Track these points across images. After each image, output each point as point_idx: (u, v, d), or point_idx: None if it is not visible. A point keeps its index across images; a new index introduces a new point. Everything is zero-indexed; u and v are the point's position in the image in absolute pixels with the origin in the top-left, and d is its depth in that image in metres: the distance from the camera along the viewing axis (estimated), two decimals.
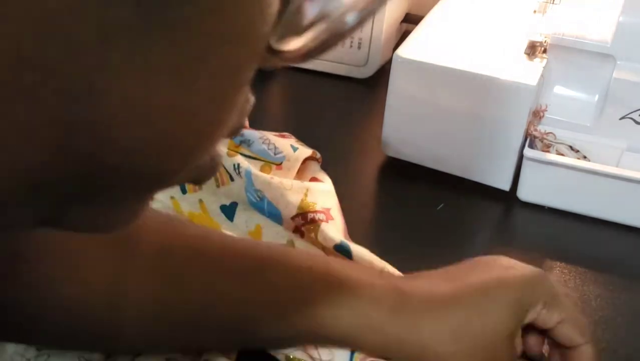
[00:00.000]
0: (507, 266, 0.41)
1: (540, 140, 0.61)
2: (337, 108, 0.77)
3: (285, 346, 0.41)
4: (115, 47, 0.16)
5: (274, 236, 0.52)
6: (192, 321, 0.40)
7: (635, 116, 0.61)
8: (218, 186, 0.54)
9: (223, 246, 0.42)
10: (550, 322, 0.40)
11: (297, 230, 0.52)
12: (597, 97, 0.63)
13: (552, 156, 0.59)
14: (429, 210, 0.60)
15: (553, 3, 0.65)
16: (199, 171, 0.22)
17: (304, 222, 0.52)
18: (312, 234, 0.51)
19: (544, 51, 0.63)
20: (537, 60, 0.62)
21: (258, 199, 0.53)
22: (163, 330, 0.40)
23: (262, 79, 0.82)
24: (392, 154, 0.65)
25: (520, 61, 0.62)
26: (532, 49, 0.63)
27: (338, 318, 0.40)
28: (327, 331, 0.40)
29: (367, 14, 0.19)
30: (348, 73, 0.81)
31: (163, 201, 0.54)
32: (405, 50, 0.61)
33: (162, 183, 0.20)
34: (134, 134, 0.17)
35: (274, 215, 0.53)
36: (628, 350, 0.48)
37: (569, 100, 0.64)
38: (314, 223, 0.52)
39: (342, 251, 0.50)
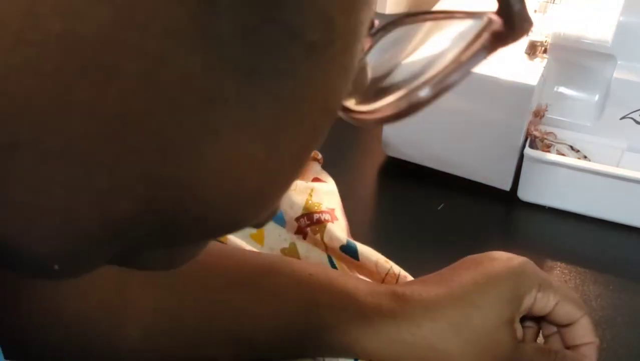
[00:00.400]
0: (492, 259, 0.42)
1: (540, 140, 0.61)
2: None
3: (288, 355, 0.41)
4: (220, 112, 0.17)
5: (276, 238, 0.52)
6: (194, 331, 0.40)
7: (635, 116, 0.61)
8: None
9: (222, 255, 0.42)
10: (549, 304, 0.41)
11: (300, 231, 0.52)
12: (597, 97, 0.63)
13: (552, 156, 0.59)
14: (429, 210, 0.60)
15: (553, 3, 0.65)
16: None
17: (310, 222, 0.52)
18: (318, 235, 0.51)
19: (544, 51, 0.63)
20: (537, 60, 0.62)
21: None
22: (165, 340, 0.40)
23: None
24: (392, 154, 0.65)
25: (520, 61, 0.62)
26: (532, 49, 0.63)
27: (341, 325, 0.40)
28: (331, 339, 0.40)
29: (442, 90, 0.21)
30: None
31: None
32: None
33: (236, 229, 0.21)
34: (224, 190, 0.19)
35: (277, 217, 0.52)
36: (628, 350, 0.48)
37: (569, 100, 0.64)
38: (320, 223, 0.51)
39: (348, 251, 0.50)
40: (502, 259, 0.42)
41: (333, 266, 0.50)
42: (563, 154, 0.61)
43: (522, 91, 0.57)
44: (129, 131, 0.16)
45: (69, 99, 0.15)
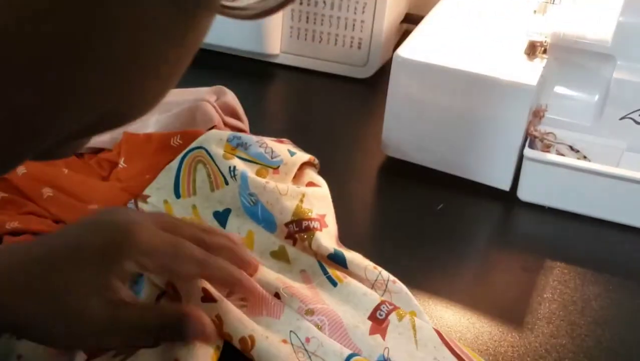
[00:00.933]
0: (93, 224, 0.42)
1: (540, 140, 0.61)
2: (337, 108, 0.77)
3: None
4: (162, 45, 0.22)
5: (265, 242, 0.52)
6: None
7: (635, 116, 0.61)
8: (212, 190, 0.54)
9: None
10: (151, 266, 0.41)
11: (290, 237, 0.52)
12: (597, 97, 0.63)
13: (552, 156, 0.59)
14: (428, 210, 0.60)
15: (553, 3, 0.65)
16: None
17: (299, 229, 0.52)
18: (306, 242, 0.51)
19: (544, 51, 0.63)
20: (537, 60, 0.62)
21: (252, 203, 0.52)
22: None
23: (262, 79, 0.82)
24: (392, 154, 0.65)
25: (520, 61, 0.62)
26: (532, 49, 0.63)
27: None
28: None
29: None
30: (348, 73, 0.81)
31: (156, 205, 0.54)
32: (405, 50, 0.61)
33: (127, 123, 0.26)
34: (146, 98, 0.24)
35: (268, 221, 0.52)
36: (628, 350, 0.48)
37: (569, 100, 0.64)
38: (309, 230, 0.51)
39: (336, 259, 0.50)
40: (100, 225, 0.41)
41: (324, 271, 0.50)
42: (563, 154, 0.61)
43: (521, 91, 0.57)
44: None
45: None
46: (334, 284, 0.49)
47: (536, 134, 0.61)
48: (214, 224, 0.52)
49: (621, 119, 0.61)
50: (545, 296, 0.52)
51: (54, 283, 0.38)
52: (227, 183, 0.53)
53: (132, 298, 0.40)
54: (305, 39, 0.81)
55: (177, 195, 0.54)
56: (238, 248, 0.47)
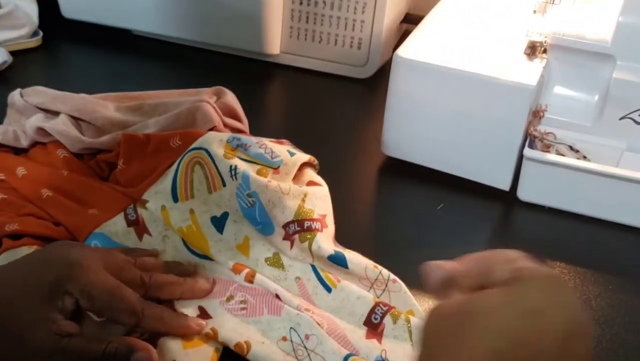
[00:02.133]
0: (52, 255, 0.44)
1: (540, 140, 0.61)
2: (337, 108, 0.77)
3: None
4: None
5: (260, 248, 0.52)
6: None
7: (635, 116, 0.61)
8: (210, 192, 0.54)
9: None
10: (89, 309, 0.42)
11: (288, 238, 0.52)
12: (597, 97, 0.63)
13: (552, 156, 0.59)
14: (428, 210, 0.60)
15: (553, 3, 0.65)
16: None
17: (300, 229, 0.52)
18: (306, 243, 0.51)
19: (544, 51, 0.63)
20: (537, 60, 0.62)
21: (249, 205, 0.52)
22: None
23: (262, 79, 0.82)
24: (392, 154, 0.65)
25: (520, 61, 0.62)
26: (532, 49, 0.63)
27: None
28: None
29: None
30: (348, 73, 0.81)
31: (153, 211, 0.53)
32: (405, 50, 0.61)
33: None
34: None
35: (265, 223, 0.52)
36: (628, 349, 0.48)
37: (569, 100, 0.64)
38: (311, 231, 0.52)
39: (337, 260, 0.50)
40: (50, 261, 0.43)
41: (318, 275, 0.50)
42: (562, 154, 0.61)
43: (521, 91, 0.57)
44: None
45: None
46: (329, 290, 0.49)
47: (536, 134, 0.61)
48: (211, 230, 0.52)
49: (621, 119, 0.61)
50: None
51: (1, 310, 0.40)
52: (224, 185, 0.53)
53: (76, 330, 0.42)
54: (305, 39, 0.81)
55: (175, 198, 0.54)
56: (179, 284, 0.48)
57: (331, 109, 0.77)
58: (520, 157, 0.60)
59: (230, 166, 0.53)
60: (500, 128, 0.59)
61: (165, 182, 0.55)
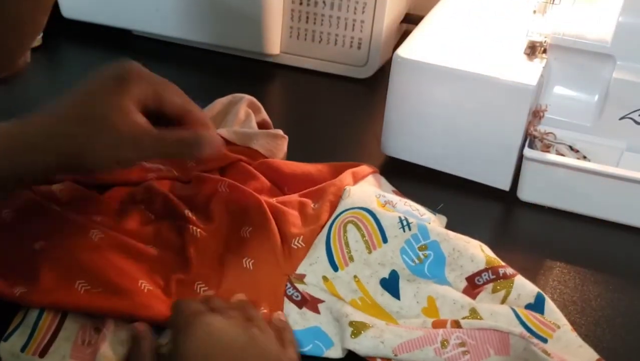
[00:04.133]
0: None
1: (540, 140, 0.61)
2: (337, 108, 0.77)
3: None
4: None
5: (450, 307, 0.48)
6: None
7: (635, 116, 0.61)
8: (370, 251, 0.50)
9: None
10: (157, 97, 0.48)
11: (474, 287, 0.49)
12: (597, 97, 0.63)
13: (552, 156, 0.59)
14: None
15: (553, 3, 0.65)
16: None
17: (495, 277, 0.49)
18: (503, 292, 0.48)
19: (544, 51, 0.63)
20: (537, 60, 0.62)
21: (417, 261, 0.49)
22: None
23: (262, 79, 0.82)
24: (391, 154, 0.65)
25: (520, 61, 0.62)
26: (532, 49, 0.63)
27: None
28: None
29: None
30: (348, 73, 0.81)
31: (315, 284, 0.50)
32: (405, 50, 0.61)
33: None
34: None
35: (438, 278, 0.49)
36: (628, 350, 0.48)
37: (569, 100, 0.64)
38: (506, 278, 0.49)
39: (535, 309, 0.48)
40: (107, 68, 0.48)
41: (518, 318, 0.46)
42: (562, 154, 0.61)
43: (521, 91, 0.57)
44: None
45: None
46: (544, 341, 0.45)
47: (536, 134, 0.61)
48: (385, 297, 0.49)
49: (621, 119, 0.61)
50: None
51: (92, 109, 0.46)
52: (385, 241, 0.50)
53: (149, 124, 0.46)
54: (305, 39, 0.81)
55: (334, 267, 0.50)
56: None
57: (331, 109, 0.77)
58: (520, 157, 0.60)
59: (400, 218, 0.51)
60: (500, 128, 0.59)
61: (318, 251, 0.51)
